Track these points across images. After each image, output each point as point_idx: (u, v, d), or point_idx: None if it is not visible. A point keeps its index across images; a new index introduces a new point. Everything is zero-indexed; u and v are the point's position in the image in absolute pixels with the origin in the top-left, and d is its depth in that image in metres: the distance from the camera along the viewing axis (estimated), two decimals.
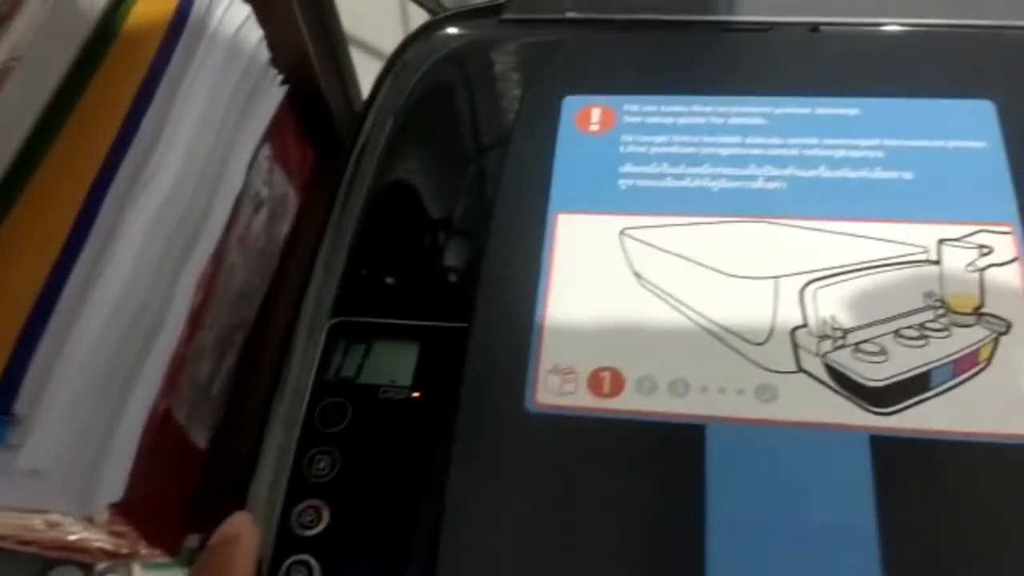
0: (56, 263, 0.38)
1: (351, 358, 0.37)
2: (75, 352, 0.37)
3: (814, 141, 0.39)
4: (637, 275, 0.37)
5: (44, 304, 0.37)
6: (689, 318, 0.35)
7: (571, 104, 0.42)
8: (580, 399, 0.34)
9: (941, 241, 0.36)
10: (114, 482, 0.40)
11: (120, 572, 0.59)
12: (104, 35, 0.45)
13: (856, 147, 0.39)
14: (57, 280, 0.38)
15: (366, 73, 0.62)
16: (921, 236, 0.37)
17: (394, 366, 0.36)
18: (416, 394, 0.35)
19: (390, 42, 0.47)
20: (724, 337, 0.35)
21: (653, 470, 0.32)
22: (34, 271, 0.38)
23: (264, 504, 0.33)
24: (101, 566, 0.59)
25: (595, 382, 0.34)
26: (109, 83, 0.43)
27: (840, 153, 0.39)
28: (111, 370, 0.39)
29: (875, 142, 0.39)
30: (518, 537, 0.32)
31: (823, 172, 0.39)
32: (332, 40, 0.54)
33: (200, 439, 0.48)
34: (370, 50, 0.75)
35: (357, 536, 0.33)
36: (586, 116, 0.41)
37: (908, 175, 0.38)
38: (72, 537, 0.44)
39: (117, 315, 0.39)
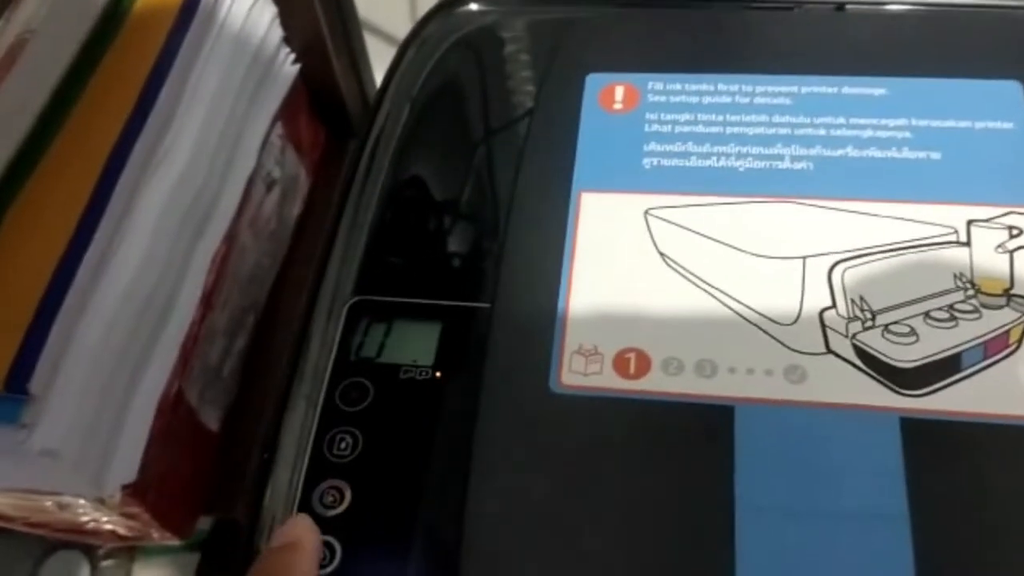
0: (70, 243, 0.38)
1: (372, 337, 0.36)
2: (89, 332, 0.37)
3: (841, 121, 0.39)
4: (662, 255, 0.36)
5: (58, 284, 0.37)
6: (715, 298, 0.35)
7: (594, 82, 0.41)
8: (606, 380, 0.34)
9: (970, 222, 0.36)
10: (127, 463, 0.39)
11: (122, 557, 0.59)
12: (117, 12, 0.44)
13: (883, 127, 0.39)
14: (71, 260, 0.37)
15: (375, 57, 0.61)
16: (949, 217, 0.36)
17: (415, 346, 0.36)
18: (438, 374, 0.35)
19: (400, 27, 0.46)
20: (751, 318, 0.34)
21: (681, 451, 0.32)
22: (48, 251, 0.37)
23: (286, 484, 0.33)
24: (103, 550, 0.59)
25: (620, 363, 0.34)
26: (122, 60, 0.43)
27: (867, 133, 0.38)
28: (124, 350, 0.39)
29: (902, 122, 0.39)
30: (543, 518, 0.31)
31: (850, 152, 0.38)
32: (345, 19, 0.53)
33: (211, 421, 0.48)
34: (380, 34, 0.74)
35: (379, 517, 0.32)
36: (610, 94, 0.41)
37: (936, 155, 0.38)
38: (83, 519, 0.43)
39: (130, 295, 0.39)
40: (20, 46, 0.40)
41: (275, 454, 0.34)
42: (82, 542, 0.57)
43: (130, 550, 0.60)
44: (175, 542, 0.46)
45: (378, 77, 0.60)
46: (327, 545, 0.32)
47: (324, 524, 0.32)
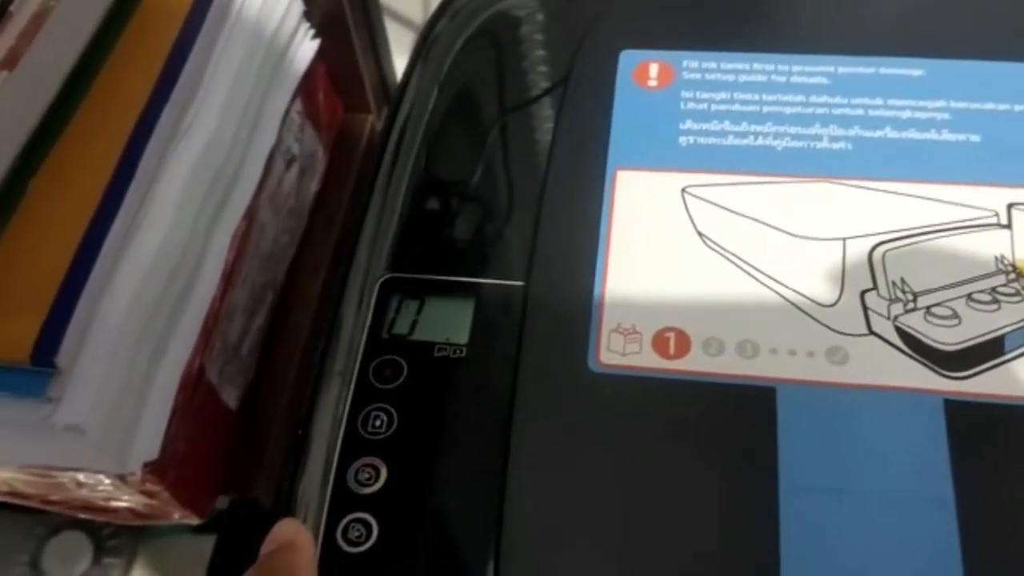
0: (96, 215, 0.37)
1: (404, 315, 0.36)
2: (114, 306, 0.36)
3: (879, 101, 0.39)
4: (700, 234, 0.36)
5: (85, 256, 0.36)
6: (755, 279, 0.35)
7: (628, 59, 0.41)
8: (645, 359, 0.33)
9: (1011, 205, 0.36)
10: (150, 440, 0.39)
11: (125, 537, 0.58)
12: None
13: (922, 108, 0.38)
14: (98, 232, 0.36)
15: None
16: (990, 200, 0.36)
17: (449, 323, 0.35)
18: (472, 352, 0.34)
19: (412, 9, 0.45)
20: (792, 298, 0.34)
21: (723, 431, 0.32)
22: (74, 223, 0.36)
23: (320, 462, 0.32)
24: (106, 531, 0.58)
25: (660, 343, 0.34)
26: (146, 32, 0.42)
27: (906, 114, 0.38)
28: (148, 325, 0.38)
29: (941, 103, 0.38)
30: (583, 497, 0.31)
31: (889, 133, 0.38)
32: None
33: (231, 399, 0.47)
34: (391, 15, 0.74)
35: (415, 494, 0.32)
36: (644, 71, 0.40)
37: (975, 138, 0.37)
38: (101, 497, 0.43)
39: (154, 269, 0.38)
40: (44, 14, 0.39)
41: (309, 431, 0.33)
42: (96, 520, 0.56)
43: (134, 530, 0.59)
44: (192, 521, 0.45)
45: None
46: (363, 522, 0.31)
47: (360, 501, 0.32)
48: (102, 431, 0.36)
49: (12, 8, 0.40)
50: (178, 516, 0.44)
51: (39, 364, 0.33)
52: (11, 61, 0.38)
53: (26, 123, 0.37)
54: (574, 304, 0.35)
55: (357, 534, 0.31)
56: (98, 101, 0.40)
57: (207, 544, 0.55)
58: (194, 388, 0.42)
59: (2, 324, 0.34)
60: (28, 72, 0.38)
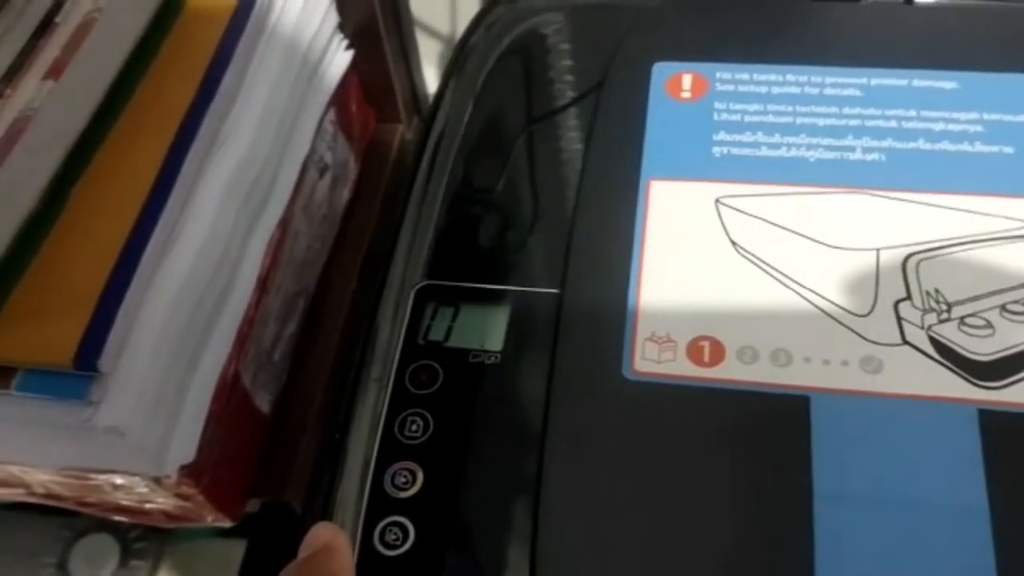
0: (138, 221, 0.38)
1: (440, 322, 0.36)
2: (154, 310, 0.37)
3: (912, 113, 0.39)
4: (734, 243, 0.36)
5: (126, 261, 0.37)
6: (789, 288, 0.35)
7: (661, 70, 0.41)
8: (680, 367, 0.34)
9: None
10: (186, 443, 0.39)
11: (152, 540, 0.59)
12: None
13: (955, 120, 0.38)
14: (139, 238, 0.37)
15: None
16: (1022, 211, 0.36)
17: (484, 330, 0.36)
18: (507, 358, 0.35)
19: (440, 20, 0.46)
20: (826, 308, 0.34)
21: (758, 440, 0.32)
22: (116, 228, 0.37)
23: (358, 465, 0.33)
24: (133, 533, 0.59)
25: (694, 351, 0.34)
26: (186, 42, 0.43)
27: (939, 126, 0.38)
28: (186, 330, 0.39)
29: (974, 116, 0.38)
30: (617, 504, 0.31)
31: (922, 145, 0.38)
32: (398, 6, 0.53)
33: (264, 404, 0.48)
34: (420, 27, 0.74)
35: (451, 497, 0.32)
36: (677, 83, 0.41)
37: (1009, 150, 0.37)
38: (135, 500, 0.43)
39: (193, 275, 0.39)
40: (88, 26, 0.40)
41: (347, 435, 0.33)
42: (123, 523, 0.57)
43: (161, 534, 0.60)
44: (224, 524, 0.46)
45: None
46: (400, 526, 0.32)
47: (397, 505, 0.32)
48: (141, 434, 0.36)
49: (57, 20, 0.40)
50: (211, 519, 0.44)
51: (82, 368, 0.34)
52: (56, 71, 0.39)
53: (70, 131, 0.38)
54: (609, 312, 0.35)
55: (394, 537, 0.32)
56: (140, 110, 0.40)
57: (233, 548, 0.56)
58: (229, 393, 0.43)
59: (45, 329, 0.35)
60: (72, 82, 0.39)
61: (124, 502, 0.44)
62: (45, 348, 0.34)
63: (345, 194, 0.56)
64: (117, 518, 0.48)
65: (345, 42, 0.52)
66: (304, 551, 0.30)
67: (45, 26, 0.40)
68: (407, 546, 0.32)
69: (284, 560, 0.33)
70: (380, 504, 0.32)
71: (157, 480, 0.40)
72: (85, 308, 0.35)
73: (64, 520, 0.58)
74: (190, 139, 0.40)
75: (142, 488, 0.41)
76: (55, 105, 0.38)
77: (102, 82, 0.39)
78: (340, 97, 0.53)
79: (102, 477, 0.40)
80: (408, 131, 0.61)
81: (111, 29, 0.41)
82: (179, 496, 0.42)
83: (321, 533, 0.30)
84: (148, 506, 0.44)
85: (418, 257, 0.38)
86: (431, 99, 0.44)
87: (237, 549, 0.55)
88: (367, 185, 0.58)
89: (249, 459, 0.47)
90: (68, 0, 0.41)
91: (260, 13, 0.44)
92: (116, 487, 0.42)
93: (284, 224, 0.47)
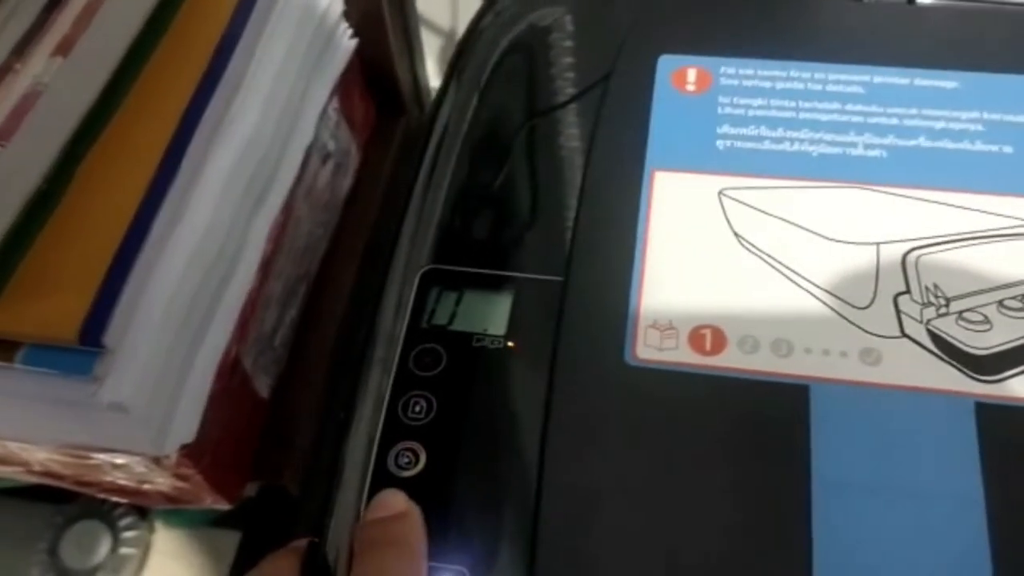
0: (144, 198, 0.38)
1: (444, 305, 0.36)
2: (159, 288, 0.37)
3: (913, 111, 0.39)
4: (737, 235, 0.36)
5: (133, 238, 0.37)
6: (790, 280, 0.35)
7: (667, 63, 0.42)
8: (681, 355, 0.34)
9: None
10: (187, 423, 0.39)
11: (142, 528, 0.59)
12: None
13: (956, 119, 0.39)
14: (145, 215, 0.37)
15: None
16: (1022, 210, 0.36)
17: (487, 315, 0.36)
18: (510, 343, 0.35)
19: (440, 14, 0.46)
20: (827, 300, 0.35)
21: (757, 428, 0.32)
22: (122, 206, 0.37)
23: (362, 444, 0.33)
24: (123, 521, 0.59)
25: (696, 339, 0.34)
26: (194, 22, 0.43)
27: (940, 124, 0.39)
28: (189, 310, 0.39)
29: (975, 115, 0.39)
30: (617, 489, 0.32)
31: (923, 142, 0.38)
32: None
33: (263, 388, 0.48)
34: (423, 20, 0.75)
35: (454, 477, 0.32)
36: (682, 76, 0.41)
37: (1008, 149, 0.38)
38: (135, 480, 0.44)
39: (197, 256, 0.39)
40: (97, 2, 0.40)
41: (352, 414, 0.34)
42: (115, 510, 0.57)
43: (152, 521, 0.60)
44: (222, 506, 0.46)
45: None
46: None
47: (399, 484, 0.32)
48: (144, 411, 0.36)
49: None
50: (209, 501, 0.45)
51: (88, 344, 0.34)
52: (65, 47, 0.39)
53: (78, 107, 0.38)
54: (611, 300, 0.35)
55: None
56: (147, 88, 0.40)
57: (225, 536, 0.56)
58: (229, 375, 0.43)
59: (51, 304, 0.35)
60: (81, 58, 0.39)
61: (123, 482, 0.44)
62: (50, 323, 0.34)
63: (347, 183, 0.56)
64: (115, 499, 0.48)
65: (350, 31, 0.52)
66: (374, 513, 0.30)
67: (55, 2, 0.40)
68: None
69: (280, 546, 0.33)
70: (383, 483, 0.32)
71: (156, 460, 0.40)
72: (91, 284, 0.35)
73: (55, 507, 0.58)
74: (197, 119, 0.40)
75: (141, 468, 0.41)
76: (64, 81, 0.38)
77: (111, 59, 0.39)
78: (343, 86, 0.53)
79: (102, 456, 0.40)
80: (411, 123, 0.61)
81: (120, 6, 0.41)
82: (178, 476, 0.42)
83: (394, 500, 0.30)
84: (147, 487, 0.44)
85: (423, 241, 0.38)
86: (434, 92, 0.44)
87: (229, 539, 0.55)
88: (368, 175, 0.58)
89: (248, 442, 0.47)
90: None
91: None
92: (116, 466, 0.42)
93: (287, 209, 0.47)
